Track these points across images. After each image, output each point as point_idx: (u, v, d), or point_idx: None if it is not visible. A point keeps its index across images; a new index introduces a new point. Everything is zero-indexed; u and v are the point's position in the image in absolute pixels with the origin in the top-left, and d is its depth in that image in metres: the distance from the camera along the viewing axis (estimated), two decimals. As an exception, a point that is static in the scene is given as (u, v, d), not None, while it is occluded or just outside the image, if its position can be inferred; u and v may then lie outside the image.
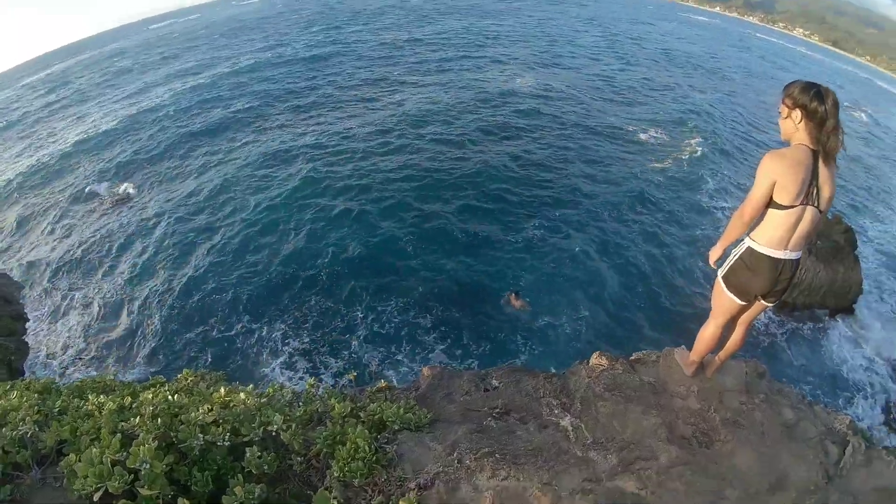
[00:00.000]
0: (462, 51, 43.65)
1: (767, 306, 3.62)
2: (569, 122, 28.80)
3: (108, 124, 36.09)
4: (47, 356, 17.03)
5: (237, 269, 18.23)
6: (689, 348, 4.51)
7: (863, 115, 50.46)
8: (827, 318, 16.91)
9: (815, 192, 2.98)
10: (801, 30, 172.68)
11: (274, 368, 14.41)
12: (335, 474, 2.91)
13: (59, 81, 64.76)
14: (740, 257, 3.33)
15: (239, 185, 23.20)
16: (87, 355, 16.76)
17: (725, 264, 3.52)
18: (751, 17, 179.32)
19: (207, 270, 18.45)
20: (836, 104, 2.83)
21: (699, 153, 26.94)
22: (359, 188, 21.43)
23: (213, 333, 15.94)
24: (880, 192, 30.12)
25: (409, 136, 25.59)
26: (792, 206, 2.95)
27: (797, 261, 3.23)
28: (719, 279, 3.59)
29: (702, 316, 4.20)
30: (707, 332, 3.98)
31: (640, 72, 43.49)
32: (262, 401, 3.74)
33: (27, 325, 16.67)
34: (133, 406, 4.05)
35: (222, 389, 4.05)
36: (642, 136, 28.37)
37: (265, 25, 65.42)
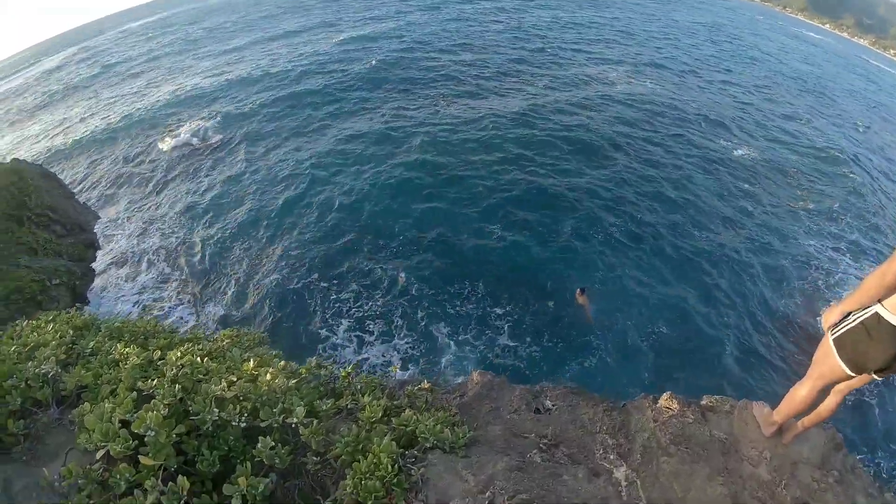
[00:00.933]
0: (567, 44, 41.92)
1: (876, 379, 2.97)
2: (676, 132, 26.97)
3: (206, 78, 37.18)
4: (110, 285, 17.80)
5: (316, 230, 18.28)
6: (769, 405, 3.94)
7: None
8: None
9: None
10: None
11: (333, 329, 14.51)
12: (348, 489, 2.54)
13: (162, 29, 67.73)
14: (863, 323, 2.78)
15: (334, 155, 23.17)
16: (148, 290, 17.37)
17: (842, 326, 2.94)
18: (862, 40, 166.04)
19: (285, 226, 18.67)
20: None
21: (819, 192, 24.46)
22: (451, 177, 20.97)
23: (282, 285, 16.14)
24: None
25: (504, 130, 24.74)
26: None
27: None
28: (829, 340, 3.01)
29: (789, 375, 3.56)
30: (800, 394, 3.41)
31: (761, 90, 40.42)
32: (291, 383, 3.41)
33: (97, 252, 17.46)
34: (160, 362, 3.88)
35: (252, 361, 3.79)
36: (752, 162, 26.15)
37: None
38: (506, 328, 14.43)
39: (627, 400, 4.31)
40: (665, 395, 3.79)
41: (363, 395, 3.60)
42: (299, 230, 18.43)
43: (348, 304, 15.34)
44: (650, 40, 48.28)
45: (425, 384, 4.29)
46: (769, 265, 18.65)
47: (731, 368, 14.12)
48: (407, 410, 3.33)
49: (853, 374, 2.98)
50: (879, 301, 2.69)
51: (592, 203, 19.74)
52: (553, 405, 4.02)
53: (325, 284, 16.03)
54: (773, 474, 3.65)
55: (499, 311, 14.98)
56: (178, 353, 3.82)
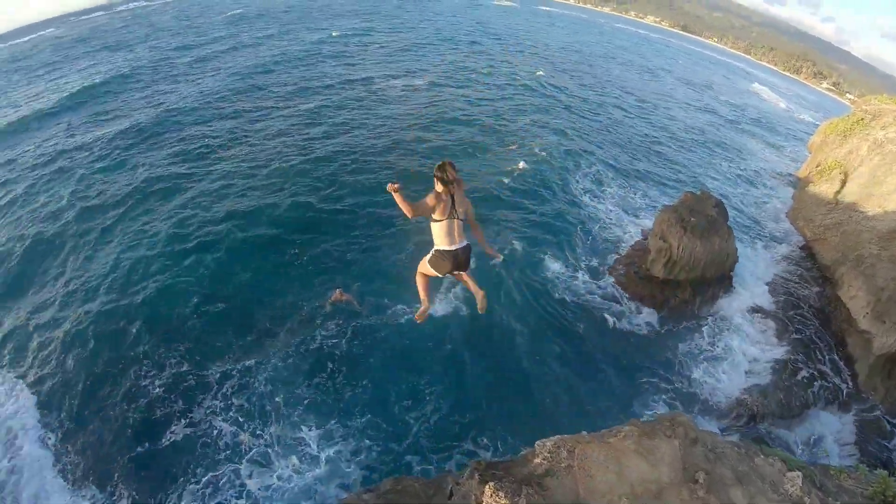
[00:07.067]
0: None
1: (462, 272, 5.16)
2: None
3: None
4: None
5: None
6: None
7: (712, 93, 53.44)
8: (703, 309, 16.80)
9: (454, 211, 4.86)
10: (651, 17, 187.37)
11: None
12: None
13: None
14: (433, 254, 5.00)
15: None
16: None
17: (427, 256, 5.08)
18: (604, 8, 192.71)
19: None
20: (441, 168, 4.72)
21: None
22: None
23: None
24: (736, 160, 31.34)
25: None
26: (441, 220, 4.83)
27: (467, 246, 4.93)
28: (426, 261, 5.10)
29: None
30: (417, 280, 5.41)
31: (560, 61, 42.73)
32: None
33: None
34: None
35: None
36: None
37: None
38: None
39: (452, 475, 3.46)
40: (488, 490, 2.95)
41: None
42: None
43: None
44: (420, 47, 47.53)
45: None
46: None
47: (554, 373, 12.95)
48: None
49: (440, 275, 5.10)
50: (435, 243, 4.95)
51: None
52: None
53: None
54: (640, 527, 3.01)
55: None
56: None
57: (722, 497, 3.43)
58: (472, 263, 4.94)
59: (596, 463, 3.23)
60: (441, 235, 4.88)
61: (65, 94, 30.71)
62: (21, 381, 12.69)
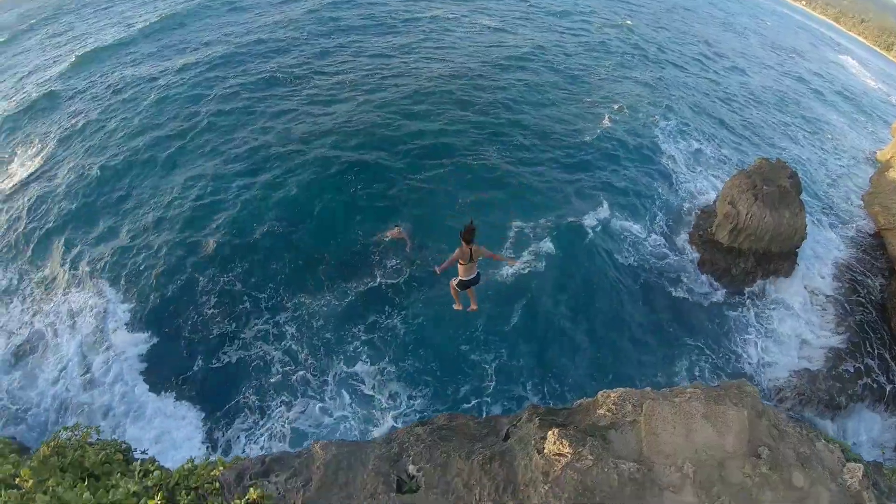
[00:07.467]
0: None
1: (471, 287, 7.68)
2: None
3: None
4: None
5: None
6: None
7: (798, 59, 49.49)
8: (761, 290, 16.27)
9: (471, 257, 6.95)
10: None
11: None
12: None
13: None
14: (458, 280, 7.39)
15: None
16: None
17: (454, 280, 7.51)
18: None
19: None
20: (468, 232, 6.57)
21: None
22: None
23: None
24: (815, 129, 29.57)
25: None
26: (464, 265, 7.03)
27: (476, 275, 7.41)
28: (454, 284, 7.55)
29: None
30: (452, 291, 7.80)
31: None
32: None
33: None
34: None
35: None
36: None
37: None
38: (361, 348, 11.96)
39: (507, 417, 3.47)
40: (551, 436, 2.92)
41: None
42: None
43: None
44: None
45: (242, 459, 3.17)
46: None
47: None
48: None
49: (462, 290, 7.59)
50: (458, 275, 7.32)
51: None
52: (419, 470, 3.07)
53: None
54: (700, 494, 2.97)
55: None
56: None
57: (784, 476, 3.35)
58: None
59: (663, 422, 3.16)
60: (462, 272, 7.26)
61: (135, 28, 30.81)
62: (97, 292, 13.41)
